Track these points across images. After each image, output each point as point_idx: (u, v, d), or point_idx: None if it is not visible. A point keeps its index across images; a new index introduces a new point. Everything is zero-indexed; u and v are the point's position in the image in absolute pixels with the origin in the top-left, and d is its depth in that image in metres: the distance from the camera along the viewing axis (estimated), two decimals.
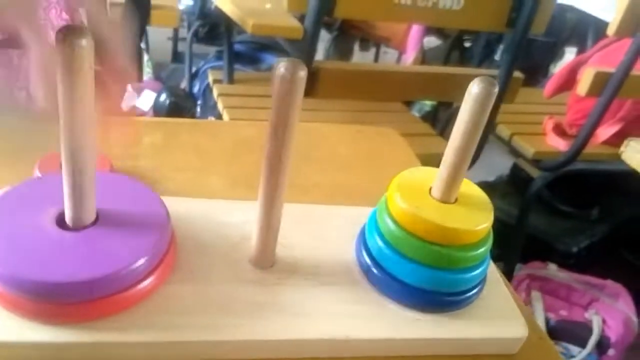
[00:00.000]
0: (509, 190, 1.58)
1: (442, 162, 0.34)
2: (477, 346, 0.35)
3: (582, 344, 1.23)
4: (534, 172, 1.34)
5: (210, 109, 1.86)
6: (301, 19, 1.05)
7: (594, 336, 1.23)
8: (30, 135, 0.48)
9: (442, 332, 0.34)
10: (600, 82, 1.11)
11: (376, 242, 0.36)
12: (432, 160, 0.39)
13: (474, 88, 0.30)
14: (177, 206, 0.37)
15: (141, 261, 0.30)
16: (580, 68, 1.26)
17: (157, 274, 0.31)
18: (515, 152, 1.38)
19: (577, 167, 1.28)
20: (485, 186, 0.66)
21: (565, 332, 1.26)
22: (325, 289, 0.35)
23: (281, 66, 0.27)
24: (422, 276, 0.34)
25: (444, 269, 0.34)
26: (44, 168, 0.41)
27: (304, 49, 1.03)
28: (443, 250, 0.34)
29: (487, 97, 0.30)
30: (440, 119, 1.75)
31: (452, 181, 0.34)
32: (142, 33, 1.09)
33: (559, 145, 1.31)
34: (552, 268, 1.39)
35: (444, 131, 1.43)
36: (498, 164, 1.71)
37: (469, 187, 0.37)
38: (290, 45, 1.14)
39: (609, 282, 1.31)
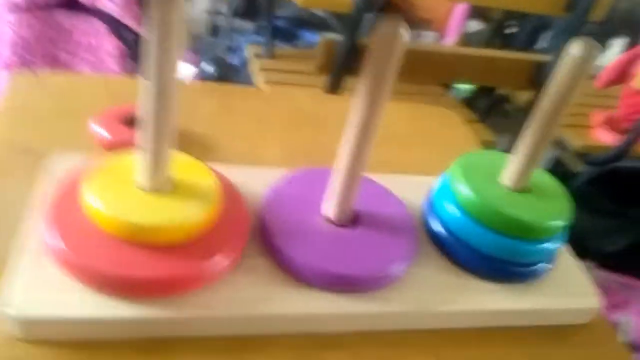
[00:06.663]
0: None
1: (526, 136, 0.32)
2: (552, 317, 0.35)
3: None
4: (578, 167, 1.29)
5: (246, 84, 1.84)
6: None
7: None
8: (79, 94, 0.46)
9: (521, 303, 0.33)
10: None
11: (448, 211, 0.35)
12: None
13: (574, 49, 0.28)
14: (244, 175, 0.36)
15: None
16: (637, 61, 1.20)
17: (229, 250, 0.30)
18: (558, 144, 1.33)
19: (622, 163, 1.23)
20: None
21: None
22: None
23: (383, 26, 0.25)
24: (499, 245, 0.33)
25: (519, 238, 0.33)
26: (101, 124, 0.39)
27: (351, 24, 1.00)
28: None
29: (587, 61, 0.28)
30: (479, 107, 1.70)
31: (530, 163, 0.32)
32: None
33: (608, 139, 1.26)
34: (587, 266, 1.35)
35: (486, 119, 1.39)
36: None
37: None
38: (338, 20, 1.11)
39: None
